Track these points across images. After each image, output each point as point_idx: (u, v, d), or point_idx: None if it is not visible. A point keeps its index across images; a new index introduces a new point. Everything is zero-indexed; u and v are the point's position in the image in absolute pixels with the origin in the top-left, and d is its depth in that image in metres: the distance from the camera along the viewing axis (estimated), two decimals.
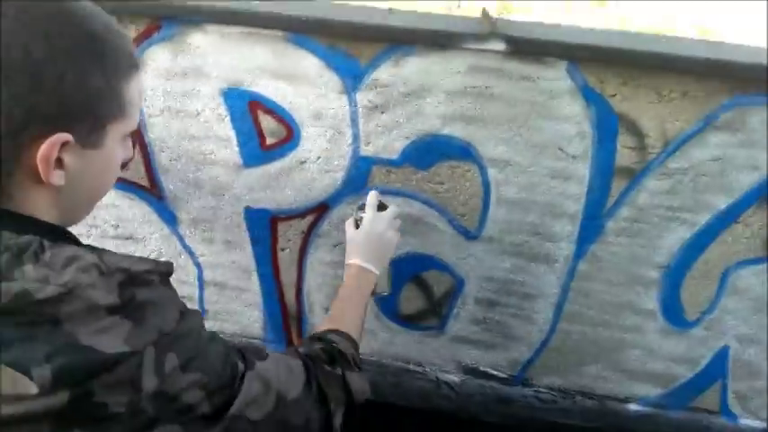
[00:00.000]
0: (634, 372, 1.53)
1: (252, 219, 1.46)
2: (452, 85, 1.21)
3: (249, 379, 0.73)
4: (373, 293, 1.17)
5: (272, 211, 1.44)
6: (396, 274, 1.49)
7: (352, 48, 1.20)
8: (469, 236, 1.40)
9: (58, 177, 0.63)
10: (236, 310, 1.63)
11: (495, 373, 1.61)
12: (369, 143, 1.31)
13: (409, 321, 1.57)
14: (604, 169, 1.25)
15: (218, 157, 1.38)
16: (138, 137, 1.39)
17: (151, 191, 1.47)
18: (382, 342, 1.62)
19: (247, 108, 1.30)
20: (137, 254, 1.52)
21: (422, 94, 1.23)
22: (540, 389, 1.61)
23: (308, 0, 1.22)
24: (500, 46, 1.13)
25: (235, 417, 0.70)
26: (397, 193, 1.35)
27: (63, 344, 0.57)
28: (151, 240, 1.55)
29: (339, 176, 1.36)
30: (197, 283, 1.60)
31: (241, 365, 0.74)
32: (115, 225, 1.55)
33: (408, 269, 1.48)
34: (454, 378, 1.64)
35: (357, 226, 1.17)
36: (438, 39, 1.14)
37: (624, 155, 1.23)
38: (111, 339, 0.59)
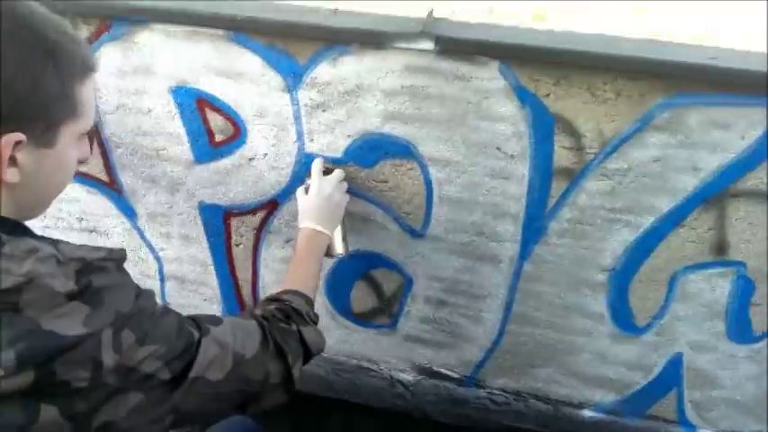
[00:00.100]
0: (587, 376, 1.51)
1: (206, 214, 1.49)
2: (389, 84, 1.21)
3: (205, 344, 0.80)
4: (331, 255, 1.27)
5: (225, 207, 1.47)
6: (346, 272, 1.51)
7: (290, 47, 1.22)
8: (415, 234, 1.40)
9: (11, 175, 0.68)
10: (196, 304, 1.67)
11: (449, 373, 1.61)
12: (312, 141, 1.33)
13: (362, 319, 1.58)
14: (543, 170, 1.24)
15: (170, 154, 1.41)
16: (96, 133, 1.43)
17: (111, 186, 1.51)
18: (337, 340, 1.63)
19: (195, 106, 1.33)
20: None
21: (360, 92, 1.24)
22: (494, 390, 1.60)
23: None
24: (429, 45, 1.13)
25: (195, 379, 0.78)
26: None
27: (25, 329, 0.63)
28: (114, 234, 1.60)
29: (286, 173, 1.38)
30: (158, 276, 1.64)
31: (196, 333, 0.81)
32: (79, 218, 1.59)
33: (358, 267, 1.50)
34: (408, 377, 1.64)
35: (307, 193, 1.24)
36: (369, 38, 1.15)
37: (562, 155, 1.22)
38: (70, 323, 0.65)
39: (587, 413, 1.57)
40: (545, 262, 1.36)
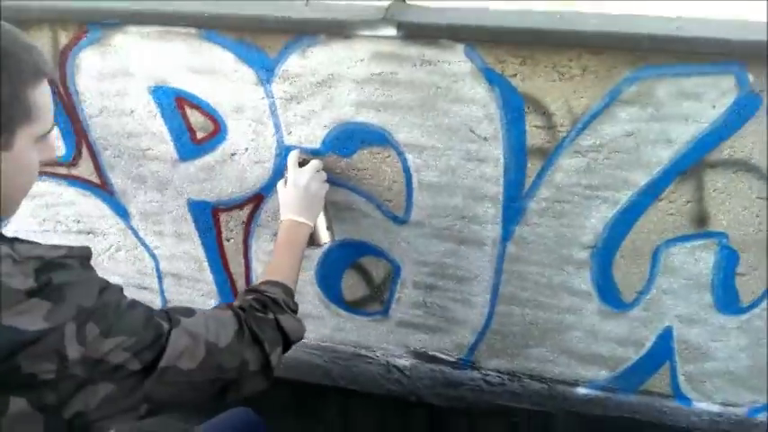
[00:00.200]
0: (579, 354, 1.52)
1: (195, 210, 1.53)
2: (359, 72, 1.23)
3: (176, 334, 0.83)
4: (316, 245, 1.32)
5: (213, 203, 1.50)
6: (335, 262, 1.53)
7: (259, 41, 1.24)
8: (398, 221, 1.42)
9: None
10: (194, 299, 1.71)
11: (444, 356, 1.62)
12: (291, 133, 1.35)
13: (355, 307, 1.61)
14: (517, 150, 1.25)
15: (156, 153, 1.45)
16: (85, 136, 1.47)
17: (103, 187, 1.55)
18: (332, 328, 1.66)
19: (175, 104, 1.36)
20: (99, 247, 1.62)
21: (331, 82, 1.25)
22: (489, 372, 1.61)
23: None
24: (392, 32, 1.14)
25: (166, 368, 0.81)
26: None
27: None
28: (110, 234, 1.64)
29: (268, 167, 1.41)
30: (156, 274, 1.69)
31: (165, 324, 0.84)
32: (76, 221, 1.64)
33: (346, 256, 1.52)
34: (404, 362, 1.66)
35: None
36: (334, 27, 1.17)
37: (534, 135, 1.22)
38: (31, 319, 0.68)
39: (582, 390, 1.57)
40: (527, 242, 1.37)
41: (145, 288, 1.72)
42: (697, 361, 1.46)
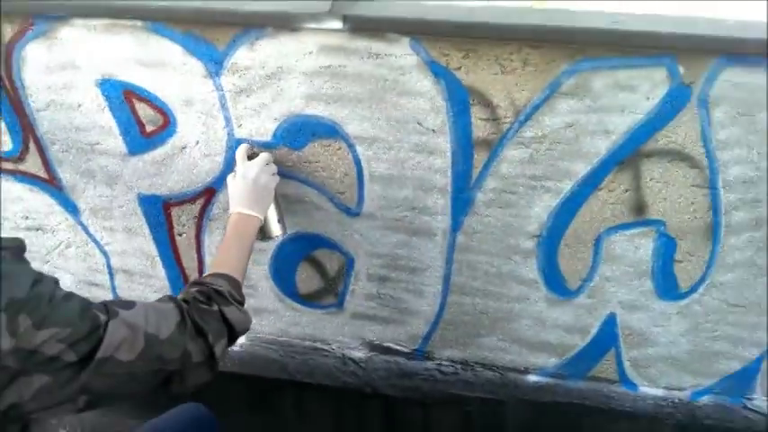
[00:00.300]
0: (529, 342, 1.56)
1: (146, 205, 1.52)
2: (307, 65, 1.24)
3: (113, 326, 0.83)
4: (268, 238, 1.31)
5: (164, 197, 1.49)
6: (289, 255, 1.54)
7: (208, 33, 1.24)
8: (351, 213, 1.44)
9: None
10: (147, 295, 1.69)
11: (398, 347, 1.64)
12: (241, 126, 1.35)
13: (309, 300, 1.62)
14: (464, 142, 1.28)
15: (104, 147, 1.43)
16: (32, 131, 1.45)
17: (51, 182, 1.53)
18: (287, 322, 1.66)
19: (123, 97, 1.35)
20: (48, 244, 1.60)
21: (281, 75, 1.26)
22: (442, 361, 1.64)
23: None
24: (338, 24, 1.16)
25: (103, 359, 0.80)
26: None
27: None
28: (59, 230, 1.62)
29: (219, 160, 1.41)
30: (107, 270, 1.67)
31: (103, 317, 0.83)
32: (24, 217, 1.61)
33: (300, 249, 1.53)
34: (360, 354, 1.67)
35: None
36: (281, 20, 1.18)
37: (480, 126, 1.25)
38: None
39: (532, 378, 1.61)
40: (476, 232, 1.40)
41: (96, 285, 1.69)
42: (640, 347, 1.52)
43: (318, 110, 1.30)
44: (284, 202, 1.41)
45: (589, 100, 1.19)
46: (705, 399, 1.60)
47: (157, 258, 1.61)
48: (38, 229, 1.63)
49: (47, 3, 1.26)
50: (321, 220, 1.46)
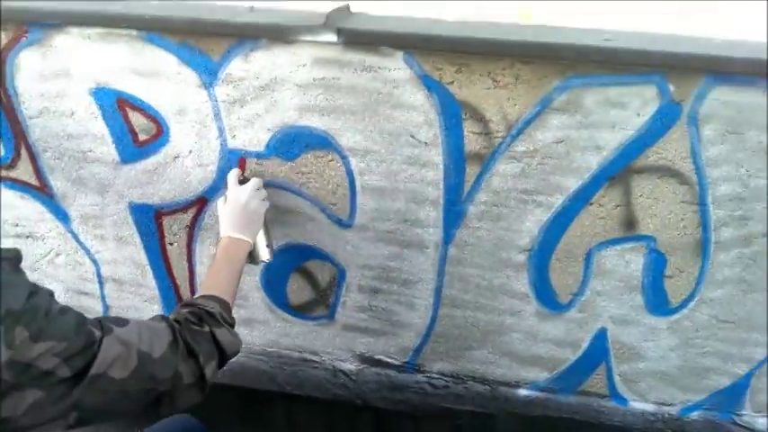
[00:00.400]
0: (520, 356, 1.56)
1: (137, 214, 1.51)
2: (301, 77, 1.25)
3: (107, 342, 0.82)
4: (255, 262, 1.31)
5: (155, 206, 1.49)
6: (281, 266, 1.54)
7: (202, 44, 1.24)
8: (343, 224, 1.44)
9: None
10: (136, 305, 1.68)
11: (389, 360, 1.64)
12: (234, 136, 1.35)
13: (301, 311, 1.61)
14: (456, 155, 1.28)
15: (97, 155, 1.43)
16: (23, 138, 1.44)
17: (42, 190, 1.52)
18: (278, 333, 1.65)
19: (116, 106, 1.35)
20: (38, 252, 1.59)
21: (274, 86, 1.27)
22: (433, 375, 1.63)
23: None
24: (333, 38, 1.17)
25: (96, 376, 0.79)
26: (268, 185, 1.39)
27: None
28: (49, 238, 1.61)
29: (212, 170, 1.41)
30: (96, 279, 1.65)
31: (97, 332, 0.82)
32: (14, 224, 1.60)
33: (291, 260, 1.52)
34: (350, 366, 1.67)
35: None
36: (276, 32, 1.19)
37: (472, 140, 1.26)
38: None
39: (523, 392, 1.61)
40: (467, 245, 1.40)
41: (85, 294, 1.68)
42: (631, 361, 1.52)
43: (312, 121, 1.30)
44: (276, 213, 1.41)
45: (580, 116, 1.20)
46: (695, 414, 1.60)
47: (148, 267, 1.60)
48: (27, 237, 1.61)
49: (42, 11, 1.26)
50: (313, 232, 1.46)
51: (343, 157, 1.34)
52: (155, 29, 1.23)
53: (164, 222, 1.52)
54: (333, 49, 1.20)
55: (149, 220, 1.51)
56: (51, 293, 0.81)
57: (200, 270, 1.59)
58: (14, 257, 0.77)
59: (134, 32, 1.25)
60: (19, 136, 1.44)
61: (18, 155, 1.47)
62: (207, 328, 0.99)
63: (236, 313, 1.11)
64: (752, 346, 1.44)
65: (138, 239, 1.55)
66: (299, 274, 1.55)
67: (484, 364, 1.60)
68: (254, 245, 1.28)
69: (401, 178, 1.34)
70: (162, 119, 1.35)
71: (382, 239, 1.44)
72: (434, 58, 1.18)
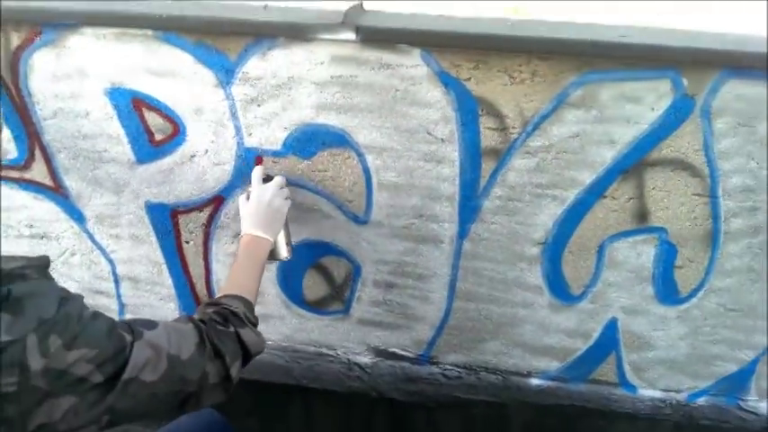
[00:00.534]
0: (532, 346, 1.58)
1: (153, 213, 1.52)
2: (319, 75, 1.26)
3: (138, 347, 0.83)
4: (274, 259, 1.33)
5: (171, 205, 1.50)
6: (297, 262, 1.55)
7: (219, 43, 1.25)
8: (359, 221, 1.45)
9: None
10: (152, 303, 1.69)
11: (403, 353, 1.66)
12: (251, 135, 1.36)
13: (316, 307, 1.63)
14: (472, 151, 1.30)
15: (112, 155, 1.43)
16: (37, 139, 1.44)
17: (57, 191, 1.53)
18: (293, 329, 1.67)
19: (132, 106, 1.36)
20: (52, 252, 1.59)
21: (292, 85, 1.28)
22: (446, 366, 1.66)
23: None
24: (351, 36, 1.18)
25: (129, 380, 0.80)
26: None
27: None
28: (64, 238, 1.61)
29: (228, 168, 1.42)
30: (112, 278, 1.66)
31: (128, 337, 0.83)
32: (29, 225, 1.60)
33: (307, 256, 1.54)
34: (365, 360, 1.69)
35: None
36: (294, 31, 1.19)
37: (488, 136, 1.28)
38: None
39: (535, 381, 1.64)
40: (482, 239, 1.42)
41: (101, 293, 1.69)
42: (641, 350, 1.55)
43: (329, 119, 1.31)
44: (293, 210, 1.42)
45: (596, 111, 1.22)
46: (702, 400, 1.64)
47: (164, 266, 1.61)
48: (42, 237, 1.62)
49: (57, 11, 1.26)
50: (329, 228, 1.48)
51: (360, 155, 1.35)
52: (171, 28, 1.24)
53: (180, 221, 1.52)
54: (350, 47, 1.21)
55: (165, 218, 1.52)
56: (82, 298, 0.82)
57: (216, 268, 1.60)
58: (43, 265, 0.78)
59: (149, 32, 1.26)
60: (33, 137, 1.44)
61: (32, 156, 1.47)
62: (232, 329, 1.00)
63: (258, 324, 1.12)
64: (759, 334, 1.48)
65: (153, 238, 1.56)
66: (314, 270, 1.56)
67: (496, 355, 1.62)
68: (275, 243, 1.29)
69: (417, 174, 1.36)
70: (178, 118, 1.36)
71: (398, 235, 1.46)
72: (452, 55, 1.20)
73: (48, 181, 1.51)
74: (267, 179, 1.30)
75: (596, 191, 1.32)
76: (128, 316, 1.71)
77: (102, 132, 1.40)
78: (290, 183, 1.39)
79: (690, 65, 1.16)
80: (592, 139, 1.25)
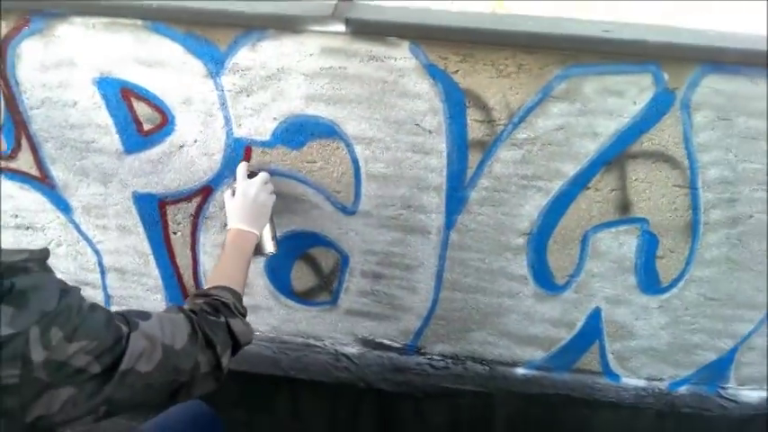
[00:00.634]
0: (517, 336, 1.61)
1: (140, 203, 1.52)
2: (308, 66, 1.27)
3: (134, 338, 0.84)
4: (261, 254, 1.34)
5: (159, 196, 1.50)
6: (285, 253, 1.56)
7: (209, 34, 1.25)
8: (347, 211, 1.47)
9: None
10: (138, 294, 1.69)
11: (390, 343, 1.68)
12: (240, 125, 1.37)
13: (304, 298, 1.64)
14: (459, 142, 1.32)
15: (100, 145, 1.43)
16: (24, 128, 1.43)
17: (43, 181, 1.52)
18: (281, 320, 1.68)
19: (120, 95, 1.36)
20: (38, 243, 1.58)
21: (281, 76, 1.29)
22: (434, 356, 1.68)
23: None
24: (341, 28, 1.19)
25: (126, 371, 0.81)
26: (273, 173, 1.41)
27: None
28: (50, 229, 1.60)
29: (217, 159, 1.42)
30: (98, 268, 1.66)
31: (125, 328, 0.84)
32: (14, 215, 1.59)
33: (295, 247, 1.55)
34: (353, 350, 1.71)
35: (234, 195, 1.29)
36: (284, 22, 1.20)
37: (474, 128, 1.30)
38: None
39: (520, 371, 1.67)
40: (469, 230, 1.45)
41: (87, 284, 1.69)
42: (623, 339, 1.59)
43: (318, 110, 1.32)
44: (282, 201, 1.43)
45: (579, 104, 1.25)
46: (683, 388, 1.68)
47: (151, 257, 1.61)
48: (27, 228, 1.61)
49: (47, 0, 1.26)
50: (318, 219, 1.49)
51: (349, 145, 1.36)
52: (161, 19, 1.24)
53: (167, 211, 1.53)
54: (340, 39, 1.22)
55: (153, 209, 1.52)
56: (79, 290, 0.82)
57: (204, 259, 1.60)
58: (44, 258, 0.79)
59: (139, 22, 1.26)
60: (20, 126, 1.43)
61: (18, 145, 1.46)
62: (222, 319, 1.01)
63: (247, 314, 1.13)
64: (737, 323, 1.52)
65: (141, 229, 1.56)
66: (302, 260, 1.57)
67: (483, 345, 1.65)
68: (261, 237, 1.31)
69: (405, 165, 1.37)
70: (167, 108, 1.36)
71: (385, 225, 1.47)
72: (440, 48, 1.22)
73: (34, 171, 1.50)
74: (251, 175, 1.32)
75: (580, 182, 1.34)
76: (114, 307, 1.71)
77: (90, 122, 1.40)
78: (278, 173, 1.40)
79: (670, 60, 1.19)
80: (576, 131, 1.28)
